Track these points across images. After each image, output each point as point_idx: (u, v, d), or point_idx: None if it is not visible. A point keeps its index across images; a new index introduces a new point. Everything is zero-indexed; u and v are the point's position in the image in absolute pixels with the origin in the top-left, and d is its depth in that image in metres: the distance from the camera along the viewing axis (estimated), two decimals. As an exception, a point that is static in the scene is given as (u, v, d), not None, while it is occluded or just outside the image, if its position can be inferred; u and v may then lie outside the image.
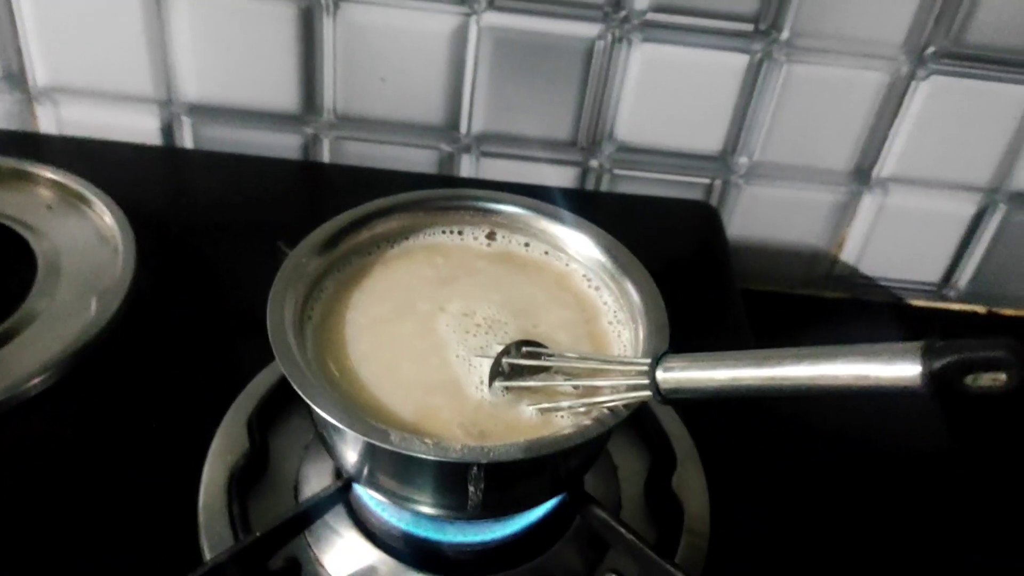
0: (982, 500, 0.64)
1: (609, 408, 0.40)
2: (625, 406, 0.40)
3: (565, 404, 0.42)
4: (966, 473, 0.66)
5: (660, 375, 0.38)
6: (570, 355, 0.43)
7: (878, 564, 0.57)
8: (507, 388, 0.42)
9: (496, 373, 0.42)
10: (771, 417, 0.61)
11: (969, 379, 0.30)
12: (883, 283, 0.85)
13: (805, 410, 0.68)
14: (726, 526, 0.52)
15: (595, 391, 0.42)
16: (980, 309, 0.86)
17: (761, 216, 0.82)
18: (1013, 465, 0.67)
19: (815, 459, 0.63)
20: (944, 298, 0.86)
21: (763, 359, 0.35)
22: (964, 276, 0.84)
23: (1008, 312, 0.86)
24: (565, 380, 0.42)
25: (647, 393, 0.39)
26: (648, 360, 0.39)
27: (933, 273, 0.85)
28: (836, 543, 0.56)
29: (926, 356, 0.30)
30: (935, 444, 0.68)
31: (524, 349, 0.43)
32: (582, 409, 0.41)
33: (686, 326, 0.67)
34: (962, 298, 0.86)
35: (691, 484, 0.53)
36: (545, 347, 0.43)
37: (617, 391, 0.40)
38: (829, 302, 0.86)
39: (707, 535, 0.51)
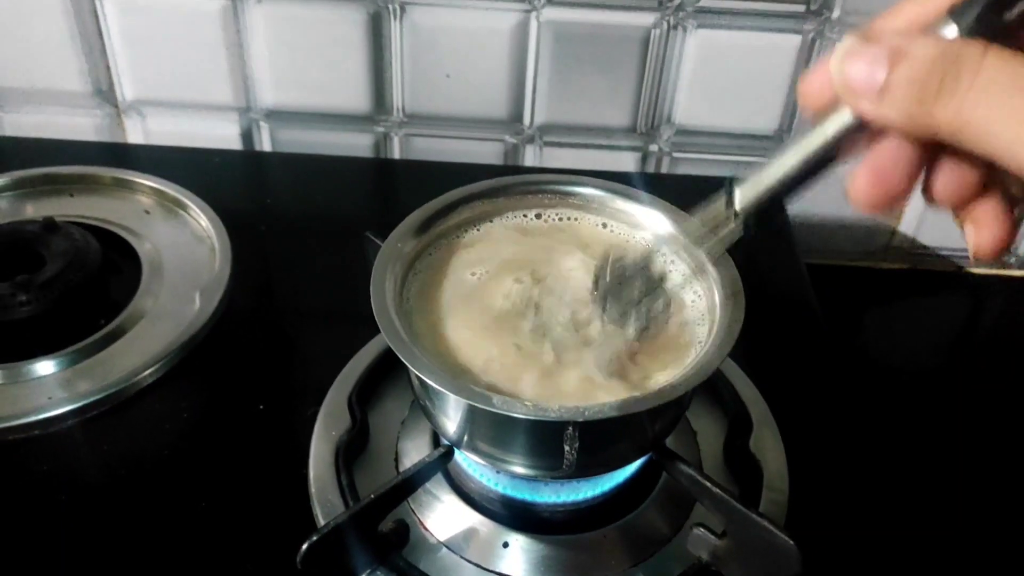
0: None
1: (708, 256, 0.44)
2: (720, 243, 0.40)
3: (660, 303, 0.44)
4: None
5: (737, 195, 0.38)
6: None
7: (952, 517, 0.58)
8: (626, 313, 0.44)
9: (606, 299, 0.45)
10: (842, 380, 0.63)
11: (1008, 15, 0.31)
12: (942, 252, 0.87)
13: (875, 372, 0.71)
14: (805, 484, 0.54)
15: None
16: (1042, 274, 0.87)
17: (820, 192, 0.83)
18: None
19: (889, 420, 0.65)
20: (1004, 265, 0.87)
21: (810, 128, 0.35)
22: (1023, 241, 0.85)
23: (1071, 275, 0.86)
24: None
25: (731, 226, 0.39)
26: (721, 199, 0.39)
27: (992, 240, 0.86)
28: (913, 499, 0.58)
29: (956, 16, 0.31)
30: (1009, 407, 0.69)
31: (613, 263, 0.45)
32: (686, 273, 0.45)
33: (755, 301, 0.69)
34: (1022, 264, 0.87)
35: (768, 445, 0.55)
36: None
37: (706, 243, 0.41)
38: (890, 273, 0.88)
39: (786, 491, 0.53)
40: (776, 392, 0.59)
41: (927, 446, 0.64)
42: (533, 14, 0.75)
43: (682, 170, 0.84)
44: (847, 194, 0.34)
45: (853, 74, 0.32)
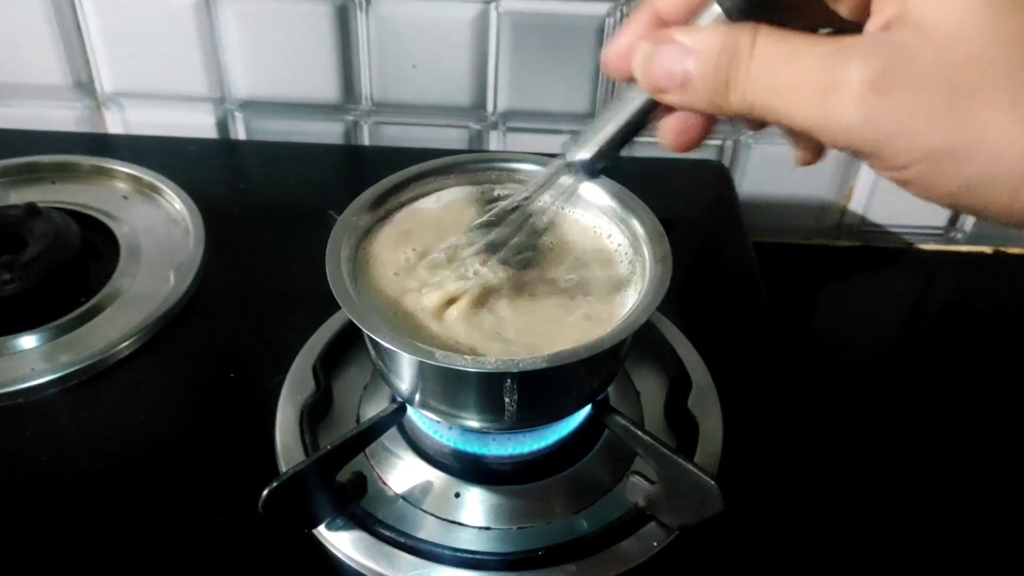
0: (978, 437, 0.67)
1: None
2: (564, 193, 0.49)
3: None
4: (965, 406, 0.70)
5: (574, 155, 0.43)
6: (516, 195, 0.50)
7: (889, 485, 0.62)
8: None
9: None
10: (784, 351, 0.67)
11: None
12: (892, 229, 0.90)
13: (823, 345, 0.75)
14: (738, 439, 0.57)
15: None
16: (987, 249, 0.90)
17: (772, 172, 0.88)
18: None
19: (831, 389, 0.69)
20: (951, 240, 0.91)
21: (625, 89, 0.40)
22: (969, 218, 0.88)
23: (1014, 251, 0.89)
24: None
25: (575, 176, 0.45)
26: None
27: (939, 217, 0.89)
28: (850, 464, 0.62)
29: None
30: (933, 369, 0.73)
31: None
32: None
33: (703, 279, 0.73)
34: (969, 240, 0.90)
35: (706, 405, 0.59)
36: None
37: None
38: (841, 251, 0.91)
39: (720, 444, 0.57)
40: (717, 359, 0.62)
41: (868, 415, 0.68)
42: (492, 5, 0.79)
43: (640, 152, 0.87)
44: (659, 138, 0.39)
45: (655, 74, 0.36)
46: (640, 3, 0.38)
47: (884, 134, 0.31)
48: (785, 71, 0.32)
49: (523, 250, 0.49)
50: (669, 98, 0.36)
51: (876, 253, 0.91)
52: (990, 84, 0.29)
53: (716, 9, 0.35)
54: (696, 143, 0.39)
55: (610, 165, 0.43)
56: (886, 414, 0.68)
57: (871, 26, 0.32)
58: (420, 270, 0.51)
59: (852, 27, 0.34)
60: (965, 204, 0.31)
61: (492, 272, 0.50)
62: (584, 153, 0.43)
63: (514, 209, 0.49)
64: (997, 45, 0.29)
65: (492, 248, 0.50)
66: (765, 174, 0.88)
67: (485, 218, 0.50)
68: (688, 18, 0.36)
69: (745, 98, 0.33)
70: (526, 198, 0.49)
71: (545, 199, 0.51)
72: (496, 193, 0.55)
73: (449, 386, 0.49)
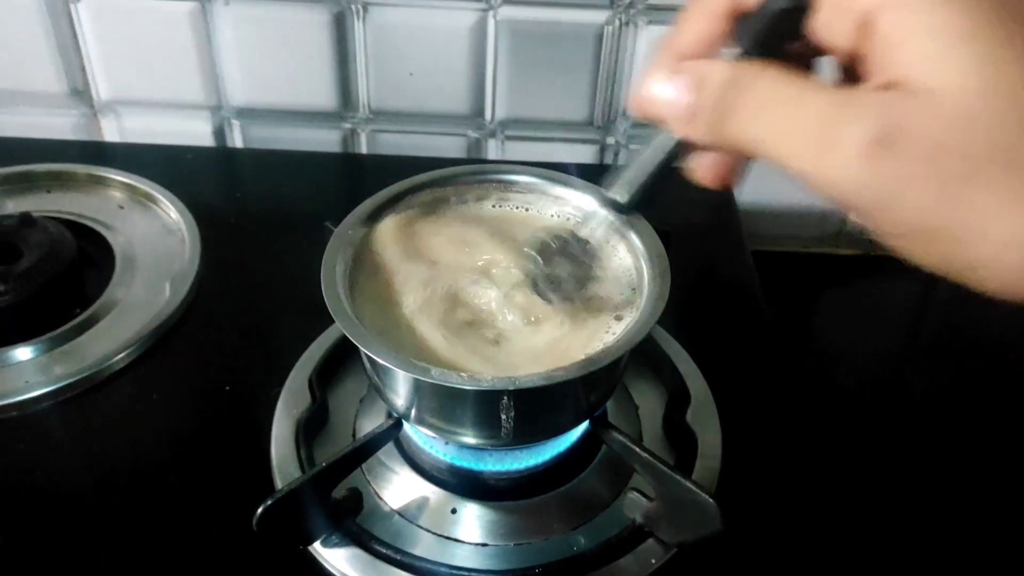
0: (982, 449, 0.66)
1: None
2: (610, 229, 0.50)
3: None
4: (960, 416, 0.70)
5: (612, 195, 0.44)
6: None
7: (878, 488, 0.62)
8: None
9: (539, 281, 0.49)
10: (783, 362, 0.66)
11: (785, 34, 0.34)
12: (893, 238, 0.90)
13: (824, 356, 0.74)
14: (737, 453, 0.57)
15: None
16: (989, 257, 0.89)
17: (772, 180, 0.86)
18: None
19: (831, 400, 0.68)
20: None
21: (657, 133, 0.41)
22: (970, 227, 0.88)
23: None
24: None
25: (615, 214, 0.47)
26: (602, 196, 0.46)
27: (940, 226, 0.89)
28: (843, 473, 0.61)
29: (738, 38, 0.35)
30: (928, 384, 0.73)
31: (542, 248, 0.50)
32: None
33: (702, 291, 0.73)
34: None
35: (705, 418, 0.59)
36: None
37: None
38: (842, 259, 0.91)
39: (719, 458, 0.56)
40: (716, 371, 0.62)
41: (870, 427, 0.67)
42: (490, 13, 0.78)
43: (638, 162, 0.87)
44: (693, 175, 0.39)
45: (661, 102, 0.36)
46: (662, 44, 0.38)
47: (878, 199, 0.30)
48: (786, 113, 0.31)
49: (564, 283, 0.50)
50: (674, 127, 0.36)
51: (877, 262, 0.91)
52: (992, 168, 0.28)
53: (736, 50, 0.35)
54: (729, 180, 0.38)
55: (644, 202, 0.44)
56: (888, 426, 0.68)
57: (869, 86, 0.31)
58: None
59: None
60: (956, 279, 0.30)
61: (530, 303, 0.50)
62: (621, 195, 0.44)
63: (556, 241, 0.50)
64: (1003, 126, 0.28)
65: (534, 283, 0.50)
66: (765, 182, 0.87)
67: (527, 250, 0.50)
68: (708, 55, 0.36)
69: (742, 133, 0.33)
70: (569, 232, 0.50)
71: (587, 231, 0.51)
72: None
73: (445, 403, 0.48)
